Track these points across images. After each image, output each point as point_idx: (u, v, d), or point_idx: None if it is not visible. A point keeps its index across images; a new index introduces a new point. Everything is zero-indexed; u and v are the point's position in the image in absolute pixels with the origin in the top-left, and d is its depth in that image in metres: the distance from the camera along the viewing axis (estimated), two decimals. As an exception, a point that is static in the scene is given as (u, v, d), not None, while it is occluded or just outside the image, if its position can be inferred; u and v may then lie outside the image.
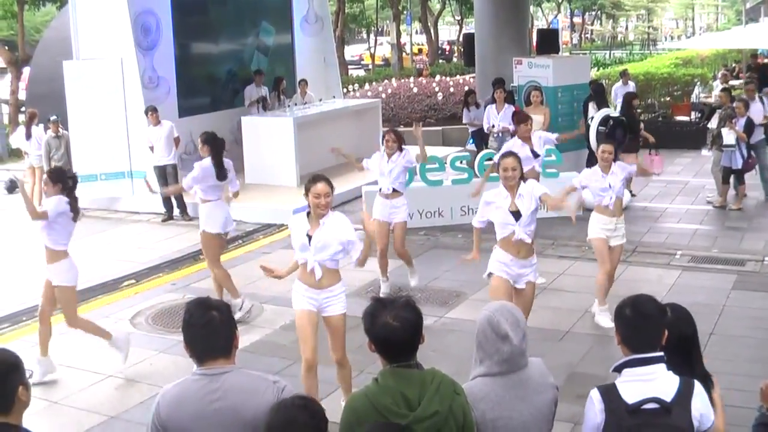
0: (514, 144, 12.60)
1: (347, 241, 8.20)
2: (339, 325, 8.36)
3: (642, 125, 18.41)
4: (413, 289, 12.15)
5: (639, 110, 24.70)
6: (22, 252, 15.53)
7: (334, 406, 6.92)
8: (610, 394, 4.51)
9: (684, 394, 4.43)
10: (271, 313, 11.53)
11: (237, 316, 10.64)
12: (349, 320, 10.25)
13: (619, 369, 4.56)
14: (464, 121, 21.24)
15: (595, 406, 4.52)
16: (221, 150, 11.59)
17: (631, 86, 23.51)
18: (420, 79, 30.56)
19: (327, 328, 8.39)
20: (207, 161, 11.41)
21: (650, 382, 4.45)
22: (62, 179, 9.78)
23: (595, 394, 4.55)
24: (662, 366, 4.51)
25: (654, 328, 4.55)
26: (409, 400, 4.26)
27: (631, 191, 17.45)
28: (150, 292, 13.04)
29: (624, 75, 24.23)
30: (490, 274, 9.21)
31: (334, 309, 8.33)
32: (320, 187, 7.95)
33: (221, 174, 11.46)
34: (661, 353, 4.53)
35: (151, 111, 17.18)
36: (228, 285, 11.49)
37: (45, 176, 9.90)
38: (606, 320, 10.57)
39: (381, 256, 12.18)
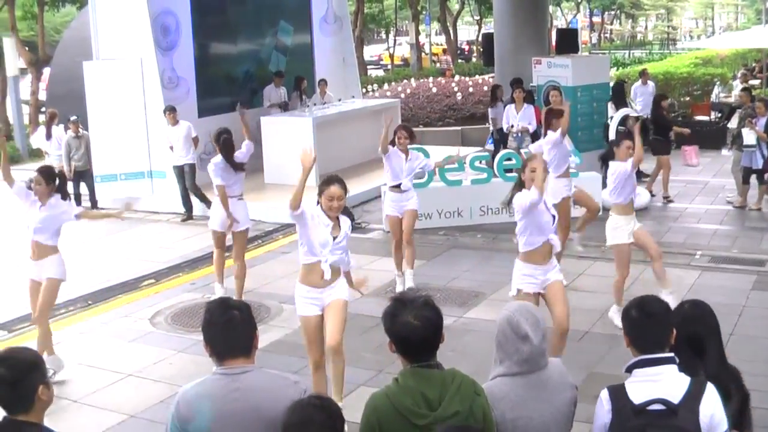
0: (557, 138, 12.42)
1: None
2: (340, 306, 8.19)
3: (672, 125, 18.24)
4: (433, 289, 12.15)
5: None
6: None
7: (354, 406, 6.92)
8: (618, 394, 4.50)
9: (693, 396, 4.38)
10: (290, 313, 11.53)
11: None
12: (368, 320, 10.31)
13: (629, 369, 4.54)
14: (490, 116, 21.24)
15: (603, 406, 4.52)
16: (227, 145, 11.87)
17: (651, 86, 23.42)
18: (439, 79, 30.59)
19: (328, 312, 8.20)
20: (217, 157, 11.81)
21: (658, 383, 4.42)
22: (54, 178, 9.88)
23: (604, 394, 4.55)
24: (672, 367, 4.48)
25: (660, 328, 4.53)
26: (430, 400, 4.25)
27: (651, 191, 17.41)
28: (170, 291, 13.09)
29: (643, 74, 24.11)
30: (518, 291, 8.86)
31: (336, 295, 8.22)
32: (334, 189, 7.93)
33: (237, 166, 11.85)
34: (671, 354, 4.51)
35: (169, 111, 17.23)
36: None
37: (36, 175, 9.88)
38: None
39: (396, 248, 12.25)
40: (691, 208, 16.87)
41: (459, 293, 12.32)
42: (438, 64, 53.10)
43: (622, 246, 10.74)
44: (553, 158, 12.27)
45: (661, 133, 17.38)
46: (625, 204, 10.71)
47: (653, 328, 4.52)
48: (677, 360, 4.50)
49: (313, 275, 8.08)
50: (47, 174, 9.85)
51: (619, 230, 10.72)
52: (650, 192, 17.25)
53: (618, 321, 10.67)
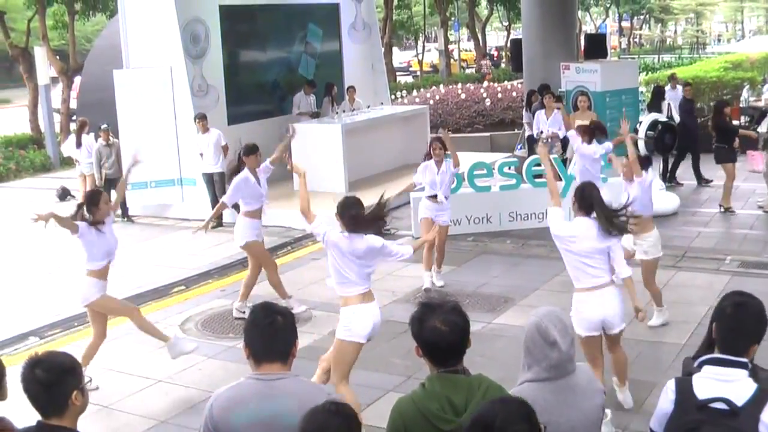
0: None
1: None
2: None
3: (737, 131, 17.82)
4: (462, 294, 12.16)
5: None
6: (74, 258, 15.69)
7: (382, 411, 6.94)
8: (684, 386, 4.46)
9: (757, 402, 4.32)
10: (319, 319, 11.58)
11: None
12: (397, 326, 10.32)
13: (701, 365, 4.51)
14: (524, 121, 21.26)
15: (668, 396, 4.50)
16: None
17: (680, 90, 23.34)
18: (468, 85, 30.56)
19: None
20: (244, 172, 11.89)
21: (726, 384, 4.37)
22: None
23: (670, 384, 4.53)
24: (743, 372, 4.42)
25: (746, 337, 4.49)
26: (456, 405, 4.26)
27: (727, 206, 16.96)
28: (199, 298, 13.16)
29: (672, 79, 24.01)
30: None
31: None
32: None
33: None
34: (746, 360, 4.45)
35: (200, 119, 17.33)
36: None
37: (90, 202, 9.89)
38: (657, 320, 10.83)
39: (428, 248, 12.33)
40: (720, 214, 16.74)
41: (488, 299, 12.33)
42: (475, 70, 52.89)
43: (656, 260, 10.84)
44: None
45: (725, 140, 17.08)
46: (648, 217, 10.65)
47: (741, 334, 4.49)
48: (749, 366, 4.47)
49: (367, 297, 8.09)
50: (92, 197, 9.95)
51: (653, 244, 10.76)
52: (727, 207, 16.91)
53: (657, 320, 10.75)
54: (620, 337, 8.42)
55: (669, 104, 21.74)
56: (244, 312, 11.50)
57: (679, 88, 23.38)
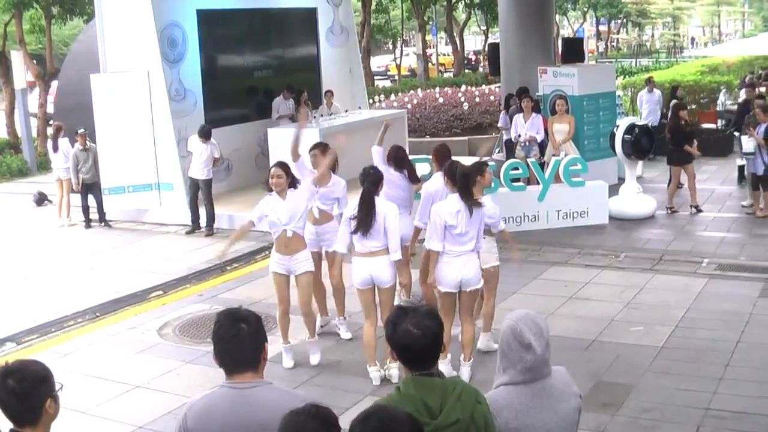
0: None
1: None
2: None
3: (694, 138, 17.84)
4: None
5: (663, 120, 24.68)
6: (51, 263, 15.67)
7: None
8: None
9: None
10: (296, 323, 11.54)
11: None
12: (379, 330, 10.35)
13: None
14: (499, 125, 21.28)
15: None
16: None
17: (657, 93, 23.49)
18: (446, 89, 30.61)
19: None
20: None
21: None
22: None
23: None
24: None
25: None
26: (431, 408, 4.26)
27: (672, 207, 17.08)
28: (177, 303, 13.11)
29: (649, 82, 24.19)
30: None
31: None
32: (274, 170, 9.73)
33: None
34: None
35: (203, 135, 17.22)
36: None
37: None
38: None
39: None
40: (698, 216, 16.83)
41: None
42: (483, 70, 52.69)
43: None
44: None
45: (678, 142, 17.17)
46: None
47: None
48: None
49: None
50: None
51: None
52: (670, 207, 16.99)
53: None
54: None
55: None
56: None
57: (656, 91, 23.54)
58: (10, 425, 4.32)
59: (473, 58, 66.32)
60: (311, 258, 10.18)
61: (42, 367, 4.40)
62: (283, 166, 10.02)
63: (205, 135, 17.15)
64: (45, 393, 4.29)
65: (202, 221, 17.38)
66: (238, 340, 4.46)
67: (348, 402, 8.80)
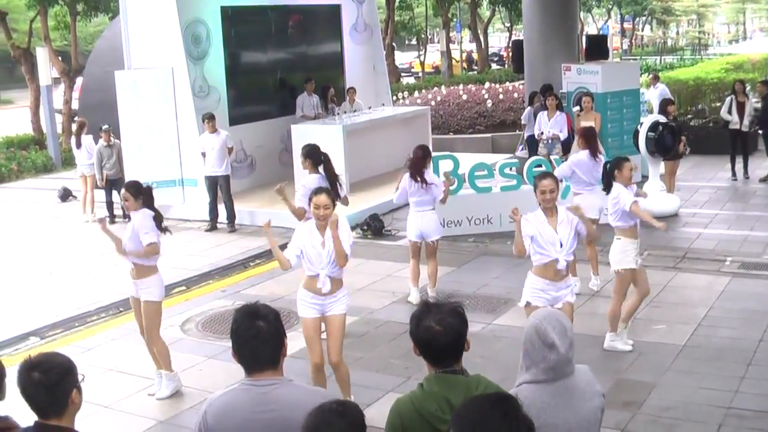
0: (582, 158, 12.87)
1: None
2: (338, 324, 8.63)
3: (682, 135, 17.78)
4: (462, 296, 12.14)
5: (689, 116, 24.58)
6: (75, 258, 15.74)
7: (382, 412, 6.95)
8: None
9: None
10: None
11: None
12: (397, 327, 10.36)
13: None
14: (522, 122, 21.27)
15: None
16: (324, 162, 11.42)
17: (660, 88, 23.37)
18: (469, 86, 30.58)
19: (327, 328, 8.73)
20: (311, 177, 11.26)
21: None
22: (142, 192, 9.86)
23: None
24: None
25: None
26: (454, 405, 4.24)
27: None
28: (200, 298, 13.16)
29: (654, 78, 24.21)
30: (527, 304, 8.88)
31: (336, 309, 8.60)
32: (321, 198, 8.21)
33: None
34: None
35: (208, 119, 17.20)
36: None
37: (124, 191, 9.87)
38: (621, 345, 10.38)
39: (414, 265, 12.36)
40: (721, 214, 16.74)
41: (488, 300, 12.34)
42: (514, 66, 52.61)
43: (628, 272, 10.27)
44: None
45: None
46: (632, 227, 10.33)
47: None
48: None
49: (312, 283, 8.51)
50: (132, 189, 9.88)
51: (627, 254, 10.27)
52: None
53: (620, 346, 10.40)
54: None
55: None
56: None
57: (660, 85, 23.47)
58: (34, 418, 4.36)
59: (505, 54, 65.98)
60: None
61: (65, 358, 4.44)
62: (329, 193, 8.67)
63: (209, 118, 17.22)
64: (70, 384, 4.34)
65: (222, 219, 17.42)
66: (258, 339, 4.43)
67: (369, 399, 8.81)
